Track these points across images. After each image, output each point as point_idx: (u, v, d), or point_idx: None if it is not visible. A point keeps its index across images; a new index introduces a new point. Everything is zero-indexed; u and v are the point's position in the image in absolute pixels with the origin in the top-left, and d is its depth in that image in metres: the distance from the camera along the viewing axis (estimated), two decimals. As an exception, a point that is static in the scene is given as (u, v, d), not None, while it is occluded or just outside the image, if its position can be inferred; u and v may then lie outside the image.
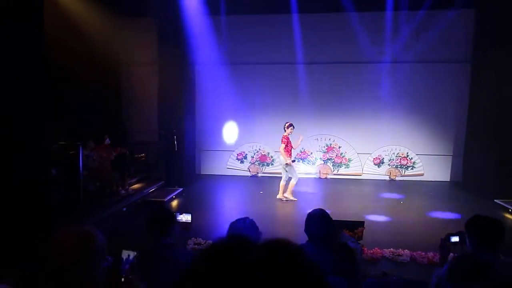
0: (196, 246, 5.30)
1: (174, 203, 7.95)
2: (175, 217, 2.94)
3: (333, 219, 3.35)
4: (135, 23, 9.25)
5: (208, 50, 10.02)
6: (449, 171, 9.98)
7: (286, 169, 7.73)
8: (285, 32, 9.74)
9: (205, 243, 5.34)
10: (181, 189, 8.63)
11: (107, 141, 7.44)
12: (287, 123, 7.84)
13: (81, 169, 6.07)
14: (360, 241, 5.23)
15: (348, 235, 3.46)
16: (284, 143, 7.70)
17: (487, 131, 8.41)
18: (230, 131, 10.63)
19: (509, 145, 8.02)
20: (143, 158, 9.24)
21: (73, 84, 7.51)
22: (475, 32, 9.03)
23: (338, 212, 6.60)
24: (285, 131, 7.81)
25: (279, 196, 7.92)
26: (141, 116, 9.72)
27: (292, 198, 7.87)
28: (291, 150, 7.78)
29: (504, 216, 7.00)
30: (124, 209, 7.05)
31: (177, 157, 9.01)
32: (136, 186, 8.41)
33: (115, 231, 5.68)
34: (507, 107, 7.94)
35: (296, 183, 7.86)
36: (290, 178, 7.82)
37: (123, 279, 1.59)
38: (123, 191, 7.53)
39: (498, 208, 7.40)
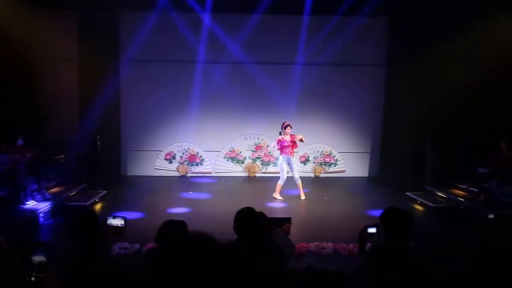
0: (122, 251, 5.10)
1: (98, 206, 7.55)
2: (101, 221, 2.81)
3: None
4: (53, 15, 8.61)
5: (134, 46, 9.65)
6: (367, 167, 10.72)
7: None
8: (213, 30, 9.73)
9: (131, 247, 5.16)
10: (105, 191, 8.21)
11: (20, 142, 6.85)
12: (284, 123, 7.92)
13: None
14: (288, 237, 5.43)
15: (282, 232, 3.58)
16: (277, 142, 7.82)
17: (400, 129, 9.17)
18: (158, 131, 10.34)
19: (419, 142, 8.85)
20: (62, 160, 8.63)
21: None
22: (388, 37, 9.80)
23: (266, 210, 6.78)
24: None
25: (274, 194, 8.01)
26: (59, 114, 9.07)
27: (278, 197, 7.94)
28: (282, 147, 7.86)
29: (414, 208, 7.71)
30: (41, 215, 6.54)
31: (101, 158, 8.58)
32: (54, 190, 7.83)
33: (30, 239, 5.25)
34: (417, 107, 8.73)
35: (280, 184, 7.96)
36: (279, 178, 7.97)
37: (33, 278, 1.49)
38: (39, 196, 6.97)
39: (409, 200, 8.13)
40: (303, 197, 8.05)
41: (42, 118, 9.02)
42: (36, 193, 6.93)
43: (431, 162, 8.93)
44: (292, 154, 8.01)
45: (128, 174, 10.24)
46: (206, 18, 9.65)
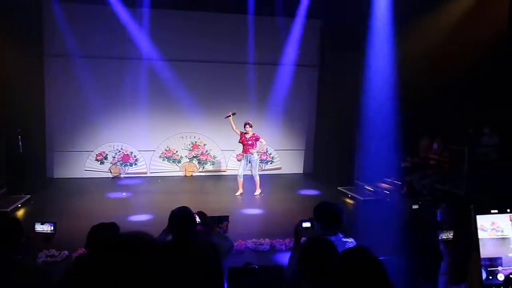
0: (48, 259, 4.77)
1: (20, 212, 6.98)
2: (22, 228, 2.59)
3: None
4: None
5: (60, 41, 9.04)
6: (302, 164, 11.08)
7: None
8: (146, 27, 9.44)
9: (59, 254, 4.85)
10: (29, 196, 7.60)
11: None
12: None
13: None
14: (226, 235, 5.45)
15: (219, 230, 3.57)
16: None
17: (332, 127, 9.60)
18: (88, 130, 9.80)
19: (347, 140, 9.32)
20: (-23, 163, 7.85)
21: None
22: (320, 39, 10.21)
23: (205, 208, 6.73)
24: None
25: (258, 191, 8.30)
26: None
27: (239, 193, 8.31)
28: (243, 147, 8.28)
29: (345, 201, 8.12)
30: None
31: (23, 159, 7.92)
32: (-32, 196, 7.10)
33: None
34: (347, 106, 9.18)
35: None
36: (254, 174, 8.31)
37: None
38: (-50, 203, 6.29)
39: (341, 194, 8.54)
40: (257, 192, 8.34)
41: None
42: None
43: (361, 158, 9.43)
44: (250, 152, 8.27)
45: (55, 177, 9.60)
46: (138, 13, 9.33)
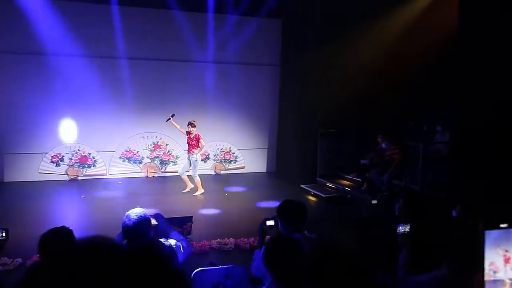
0: (1, 267, 4.50)
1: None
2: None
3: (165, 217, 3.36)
4: None
5: (5, 37, 8.56)
6: (266, 163, 11.15)
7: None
8: (105, 23, 9.16)
9: (12, 262, 4.59)
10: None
11: None
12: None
13: None
14: (189, 236, 5.38)
15: (177, 233, 3.50)
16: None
17: (294, 126, 9.72)
18: (42, 131, 9.33)
19: (311, 138, 9.48)
20: None
21: None
22: (282, 39, 10.31)
23: (166, 209, 6.61)
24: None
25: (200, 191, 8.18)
26: None
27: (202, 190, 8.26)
28: (189, 145, 8.17)
29: (308, 199, 8.25)
30: None
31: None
32: None
33: None
34: (308, 105, 9.34)
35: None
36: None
37: None
38: None
39: (304, 192, 8.67)
40: (198, 192, 8.22)
41: None
42: None
43: (322, 156, 9.63)
44: (191, 152, 8.14)
45: (5, 181, 9.08)
46: (97, 9, 9.02)
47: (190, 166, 8.22)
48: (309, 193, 8.61)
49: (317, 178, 9.42)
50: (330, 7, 8.55)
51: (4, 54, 8.79)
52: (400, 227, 3.05)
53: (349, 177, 9.16)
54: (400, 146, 7.82)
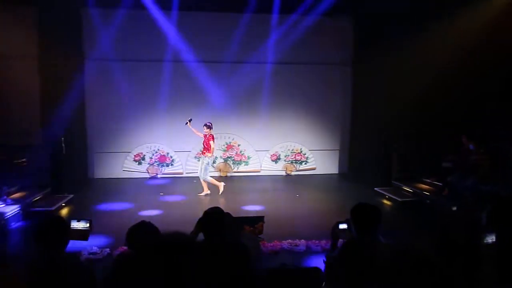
0: (91, 256, 4.95)
1: (64, 211, 7.29)
2: (68, 226, 2.69)
3: (234, 216, 3.44)
4: (12, 11, 8.21)
5: (100, 45, 9.39)
6: (337, 164, 10.91)
7: None
8: (179, 29, 9.62)
9: (101, 252, 5.02)
10: (72, 195, 7.93)
11: (-22, 145, 6.51)
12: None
13: None
14: (261, 235, 5.45)
15: (248, 233, 3.57)
16: None
17: (368, 126, 9.39)
18: (126, 131, 10.10)
19: (387, 139, 9.09)
20: (24, 164, 8.26)
21: None
22: (354, 37, 10.01)
23: (238, 208, 6.77)
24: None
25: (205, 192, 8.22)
26: (20, 116, 8.68)
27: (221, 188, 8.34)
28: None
29: (382, 202, 7.91)
30: (3, 222, 6.24)
31: (66, 160, 8.28)
32: (17, 195, 7.48)
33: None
34: (383, 105, 8.96)
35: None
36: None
37: None
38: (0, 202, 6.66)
39: (378, 196, 8.33)
40: (202, 193, 8.24)
41: (2, 120, 8.61)
42: (-4, 199, 6.62)
43: (398, 158, 9.18)
44: (203, 153, 8.25)
45: (95, 177, 9.95)
46: (174, 17, 9.52)
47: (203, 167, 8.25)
48: (383, 196, 8.26)
49: (393, 181, 8.98)
50: (404, 4, 8.12)
51: (96, 61, 9.60)
52: (487, 237, 2.80)
53: (428, 180, 8.59)
54: (488, 148, 7.16)
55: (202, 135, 8.31)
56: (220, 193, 8.23)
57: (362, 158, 9.60)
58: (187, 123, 8.46)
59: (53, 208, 7.12)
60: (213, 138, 8.21)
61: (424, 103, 8.41)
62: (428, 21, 8.18)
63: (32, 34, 8.28)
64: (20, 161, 8.15)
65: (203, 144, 8.27)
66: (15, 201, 7.06)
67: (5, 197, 6.90)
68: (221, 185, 8.29)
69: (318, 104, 10.55)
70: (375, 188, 8.62)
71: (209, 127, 8.19)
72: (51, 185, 8.12)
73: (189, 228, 2.98)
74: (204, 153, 8.22)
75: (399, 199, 7.86)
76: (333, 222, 3.23)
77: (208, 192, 8.25)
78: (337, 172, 10.85)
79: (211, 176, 8.49)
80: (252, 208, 7.29)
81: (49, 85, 8.33)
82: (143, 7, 8.99)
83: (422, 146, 8.83)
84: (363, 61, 9.46)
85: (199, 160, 8.47)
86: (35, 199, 7.49)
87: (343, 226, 3.12)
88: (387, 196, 8.19)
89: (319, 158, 10.87)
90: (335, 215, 6.14)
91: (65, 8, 8.22)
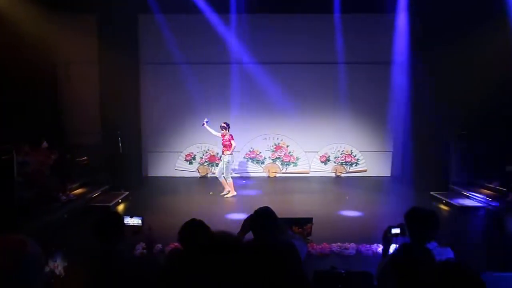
0: (145, 251, 5.13)
1: (121, 207, 7.66)
2: (123, 222, 2.82)
3: (282, 217, 3.41)
4: (74, 19, 8.78)
5: (155, 49, 9.79)
6: (390, 166, 10.52)
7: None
8: (232, 32, 9.75)
9: (153, 247, 5.19)
10: (127, 192, 8.32)
11: (45, 144, 7.01)
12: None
13: (15, 175, 5.67)
14: (309, 237, 5.38)
15: (293, 233, 3.53)
16: None
17: (423, 127, 8.94)
18: (177, 132, 10.42)
19: (444, 140, 8.62)
20: (85, 162, 8.80)
21: (6, 85, 6.99)
22: (410, 34, 9.59)
23: (287, 209, 6.73)
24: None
25: (232, 194, 8.23)
26: (82, 117, 9.25)
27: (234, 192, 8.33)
28: (223, 146, 8.27)
29: (439, 207, 7.51)
30: (65, 216, 6.67)
31: (123, 159, 8.69)
32: (78, 191, 7.99)
33: (56, 239, 5.35)
34: (441, 105, 8.50)
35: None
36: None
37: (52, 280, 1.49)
38: (63, 197, 7.12)
39: (434, 200, 7.92)
40: (224, 192, 8.31)
41: (67, 121, 9.23)
42: (60, 195, 7.08)
43: (456, 161, 8.67)
44: (223, 153, 8.26)
45: (149, 175, 10.35)
46: (226, 19, 9.66)
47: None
48: (440, 201, 7.84)
49: (450, 185, 8.50)
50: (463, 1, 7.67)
51: (151, 65, 10.00)
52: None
53: (490, 185, 8.03)
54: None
55: (220, 135, 8.35)
56: (222, 194, 8.25)
57: (416, 160, 9.15)
58: (203, 124, 8.48)
59: (111, 204, 7.50)
60: (232, 137, 8.24)
61: (484, 102, 7.87)
62: (491, 16, 7.64)
63: (92, 41, 8.78)
64: (81, 159, 8.70)
65: (222, 143, 8.32)
66: (76, 197, 7.54)
67: (67, 192, 7.38)
68: (233, 192, 8.28)
69: (369, 104, 10.22)
70: (431, 192, 8.21)
71: (225, 128, 8.23)
72: (109, 183, 8.56)
73: (236, 228, 3.00)
74: (224, 152, 8.27)
75: (457, 204, 7.42)
76: (384, 226, 3.10)
77: (232, 191, 8.29)
78: (389, 175, 10.47)
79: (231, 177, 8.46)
80: (301, 209, 7.21)
81: (107, 88, 8.79)
82: (196, 11, 9.21)
83: (483, 148, 8.27)
84: (420, 59, 9.02)
85: (222, 159, 8.40)
86: (94, 195, 7.93)
87: (395, 230, 2.99)
88: (444, 201, 7.77)
89: (371, 160, 10.55)
90: (387, 219, 5.93)
91: (123, 14, 8.62)
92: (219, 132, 8.35)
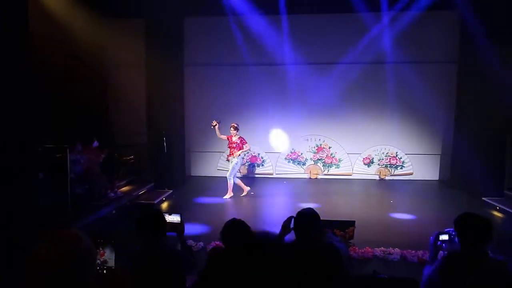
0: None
1: (164, 205, 7.88)
2: (164, 219, 2.92)
3: (323, 219, 3.35)
4: (122, 24, 9.17)
5: (197, 51, 10.02)
6: (438, 170, 10.07)
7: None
8: (274, 33, 9.75)
9: (196, 245, 5.30)
10: (171, 191, 8.55)
11: (95, 143, 7.35)
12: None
13: (68, 172, 5.99)
14: (351, 241, 5.26)
15: (332, 235, 3.45)
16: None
17: (475, 129, 8.47)
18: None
19: (497, 143, 8.13)
20: (132, 160, 9.15)
21: (60, 86, 7.41)
22: (460, 33, 9.13)
23: (328, 212, 6.62)
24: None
25: (228, 195, 8.17)
26: (129, 117, 9.62)
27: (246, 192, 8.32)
28: (230, 148, 8.17)
29: (492, 214, 7.08)
30: (114, 212, 6.97)
31: (167, 158, 8.94)
32: (125, 188, 8.32)
33: (105, 233, 5.59)
34: (494, 106, 8.03)
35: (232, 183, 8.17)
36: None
37: (104, 271, 1.56)
38: (112, 194, 7.45)
39: (486, 206, 7.48)
40: (243, 194, 8.27)
41: (115, 121, 9.63)
42: (109, 191, 7.41)
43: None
44: (233, 155, 8.14)
45: (192, 175, 10.57)
46: (269, 20, 9.68)
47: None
48: (493, 207, 7.39)
49: (506, 191, 7.99)
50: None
51: (195, 66, 10.23)
52: None
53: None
54: None
55: (225, 138, 8.20)
56: (226, 197, 8.14)
57: (467, 164, 8.68)
58: (215, 125, 8.18)
59: (155, 201, 7.74)
60: (243, 139, 8.14)
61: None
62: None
63: (140, 44, 9.11)
64: (128, 158, 9.05)
65: (229, 146, 8.17)
66: (123, 194, 7.86)
67: (116, 189, 7.71)
68: (230, 193, 8.16)
69: (416, 104, 9.82)
70: (483, 198, 7.76)
71: (237, 129, 8.13)
72: (154, 181, 8.84)
73: (276, 229, 2.98)
74: (233, 153, 8.15)
75: (512, 211, 6.96)
76: (431, 232, 2.96)
77: (229, 193, 8.17)
78: (437, 179, 10.03)
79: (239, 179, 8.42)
80: (343, 212, 7.08)
81: (153, 90, 9.08)
82: (239, 13, 9.31)
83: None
84: (471, 57, 8.55)
85: (231, 161, 8.28)
86: (140, 192, 8.22)
87: (444, 237, 2.85)
88: (498, 207, 7.31)
89: (417, 163, 10.15)
90: (435, 225, 5.70)
91: (168, 18, 8.87)
92: (225, 134, 8.23)
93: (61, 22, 7.46)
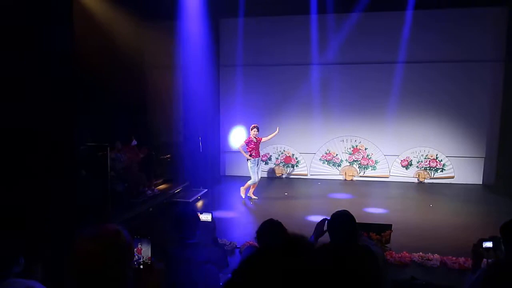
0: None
1: (199, 204, 8.00)
2: (198, 218, 2.96)
3: (359, 221, 3.28)
4: (160, 26, 9.37)
5: (232, 52, 10.10)
6: (481, 174, 9.62)
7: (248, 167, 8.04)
8: (311, 33, 9.67)
9: (230, 244, 5.34)
10: (206, 190, 8.67)
11: (134, 142, 7.58)
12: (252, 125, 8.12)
13: (109, 169, 6.21)
14: (388, 245, 5.12)
15: (367, 238, 3.37)
16: (245, 143, 8.12)
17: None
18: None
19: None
20: (168, 159, 9.36)
21: (100, 86, 7.68)
22: (508, 31, 8.67)
23: (364, 214, 6.49)
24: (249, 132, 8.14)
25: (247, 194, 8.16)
26: (166, 117, 9.84)
27: (243, 195, 8.13)
28: (252, 150, 7.98)
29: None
30: (151, 209, 7.15)
31: (202, 158, 9.08)
32: (161, 186, 8.52)
33: (143, 230, 5.76)
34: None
35: (254, 185, 8.08)
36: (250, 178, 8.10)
37: (141, 266, 1.59)
38: (149, 192, 7.65)
39: (535, 213, 7.06)
40: (254, 197, 8.11)
41: (152, 120, 9.89)
42: (147, 189, 7.61)
43: None
44: (259, 155, 8.10)
45: (226, 174, 10.67)
46: (303, 20, 9.62)
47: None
48: (542, 214, 6.96)
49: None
50: None
51: (230, 67, 10.33)
52: None
53: None
54: None
55: (272, 137, 8.22)
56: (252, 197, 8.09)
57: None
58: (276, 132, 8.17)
59: (190, 200, 7.87)
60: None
61: None
62: None
63: (176, 46, 9.26)
64: (165, 156, 9.26)
65: (256, 147, 8.02)
66: (160, 192, 8.05)
67: (153, 187, 7.92)
68: (242, 194, 8.10)
69: (458, 105, 9.44)
70: (531, 204, 7.34)
71: (258, 130, 8.07)
72: (189, 179, 9.00)
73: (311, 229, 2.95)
74: (259, 154, 8.10)
75: None
76: (474, 238, 2.83)
77: (242, 193, 8.14)
78: (480, 183, 9.57)
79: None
80: (379, 215, 6.91)
81: (189, 90, 9.23)
82: (273, 13, 9.30)
83: None
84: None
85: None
86: (176, 191, 8.39)
87: (487, 244, 2.71)
88: (547, 215, 6.88)
89: (459, 166, 9.74)
90: (478, 231, 5.42)
91: (203, 21, 8.99)
92: (261, 136, 8.10)
93: (102, 24, 7.74)
